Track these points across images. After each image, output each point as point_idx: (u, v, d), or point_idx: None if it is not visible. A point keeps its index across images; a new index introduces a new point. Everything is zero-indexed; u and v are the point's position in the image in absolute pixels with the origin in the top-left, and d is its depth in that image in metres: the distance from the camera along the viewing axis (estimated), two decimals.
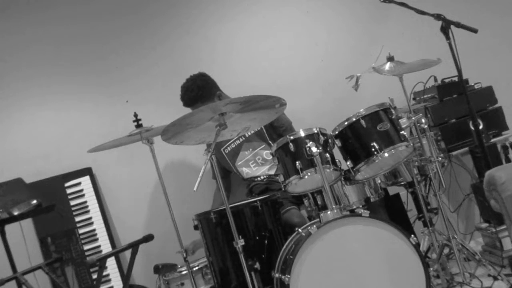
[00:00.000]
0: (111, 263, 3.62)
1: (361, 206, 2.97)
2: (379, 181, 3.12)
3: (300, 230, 2.63)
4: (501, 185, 2.60)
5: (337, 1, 4.14)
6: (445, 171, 3.82)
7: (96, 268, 3.25)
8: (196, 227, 3.00)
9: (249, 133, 3.51)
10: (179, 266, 3.12)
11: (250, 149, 3.51)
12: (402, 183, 3.26)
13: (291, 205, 3.24)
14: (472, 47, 3.65)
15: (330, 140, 2.80)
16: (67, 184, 3.74)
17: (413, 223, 3.58)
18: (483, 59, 4.03)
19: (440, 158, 3.02)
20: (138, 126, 3.03)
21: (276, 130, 3.51)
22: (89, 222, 3.70)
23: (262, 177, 3.49)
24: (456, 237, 3.05)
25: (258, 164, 3.48)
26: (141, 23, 3.99)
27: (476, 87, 3.69)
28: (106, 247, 3.66)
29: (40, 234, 3.64)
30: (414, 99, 3.89)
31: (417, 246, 2.52)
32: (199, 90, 3.46)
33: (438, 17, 2.88)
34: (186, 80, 3.52)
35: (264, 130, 3.50)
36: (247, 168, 3.51)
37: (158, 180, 3.02)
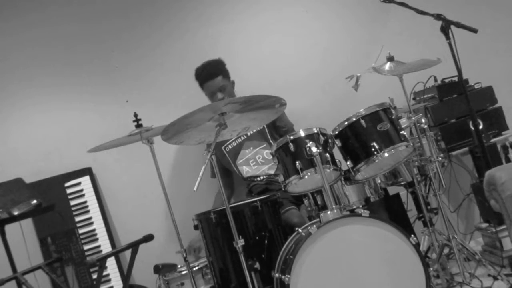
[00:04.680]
0: (111, 263, 3.62)
1: (361, 206, 2.97)
2: (379, 181, 3.12)
3: (300, 230, 2.63)
4: (501, 185, 2.60)
5: (337, 1, 4.14)
6: (445, 171, 3.82)
7: (96, 268, 3.25)
8: (196, 227, 3.00)
9: (251, 132, 3.51)
10: (179, 266, 3.12)
11: (251, 148, 3.51)
12: (402, 183, 3.26)
13: (291, 205, 3.24)
14: (472, 47, 3.65)
15: (330, 140, 2.79)
16: (67, 184, 3.74)
17: (413, 223, 3.58)
18: (483, 59, 4.03)
19: (440, 158, 3.02)
20: (138, 126, 3.03)
21: (278, 130, 3.51)
22: (89, 222, 3.70)
23: (261, 177, 3.49)
24: (456, 237, 3.05)
25: (258, 163, 3.48)
26: (141, 23, 3.98)
27: (476, 87, 3.69)
28: (106, 247, 3.66)
29: (40, 234, 3.64)
30: (414, 99, 3.89)
31: (417, 246, 2.52)
32: (219, 65, 3.50)
33: (438, 17, 2.88)
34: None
35: (266, 130, 3.50)
36: (247, 167, 3.51)
37: (158, 180, 3.02)
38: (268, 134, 3.50)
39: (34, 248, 3.59)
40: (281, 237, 2.88)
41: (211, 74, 3.49)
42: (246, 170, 3.52)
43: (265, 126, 3.49)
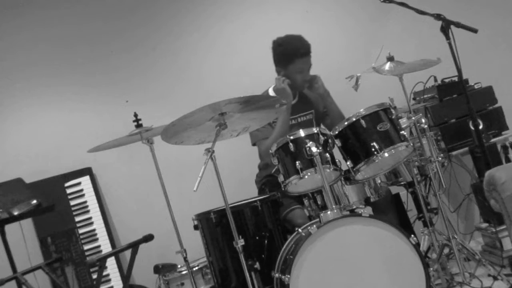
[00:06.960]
0: (111, 263, 3.62)
1: (362, 206, 2.96)
2: (379, 181, 3.11)
3: (300, 230, 2.63)
4: (501, 185, 2.59)
5: (337, 1, 4.14)
6: (445, 171, 3.82)
7: (96, 268, 3.25)
8: (196, 227, 3.00)
9: (302, 119, 3.42)
10: (179, 266, 3.13)
11: None
12: (402, 183, 3.26)
13: (295, 204, 3.18)
14: (472, 47, 3.65)
15: (330, 140, 2.79)
16: (67, 184, 3.74)
17: (413, 223, 3.58)
18: (483, 59, 4.03)
19: (440, 158, 3.02)
20: (138, 126, 3.03)
21: (325, 119, 3.45)
22: (89, 222, 3.71)
23: None
24: (456, 237, 3.05)
25: None
26: (140, 23, 3.99)
27: (476, 87, 3.69)
28: (106, 247, 3.67)
29: (40, 234, 3.64)
30: (414, 99, 3.89)
31: (417, 246, 2.52)
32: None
33: (438, 17, 2.87)
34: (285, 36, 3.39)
35: (314, 122, 3.43)
36: None
37: (158, 180, 3.02)
38: (314, 124, 3.42)
39: (34, 248, 3.60)
40: (281, 237, 2.88)
41: (308, 51, 3.32)
42: None
43: (313, 115, 3.43)
